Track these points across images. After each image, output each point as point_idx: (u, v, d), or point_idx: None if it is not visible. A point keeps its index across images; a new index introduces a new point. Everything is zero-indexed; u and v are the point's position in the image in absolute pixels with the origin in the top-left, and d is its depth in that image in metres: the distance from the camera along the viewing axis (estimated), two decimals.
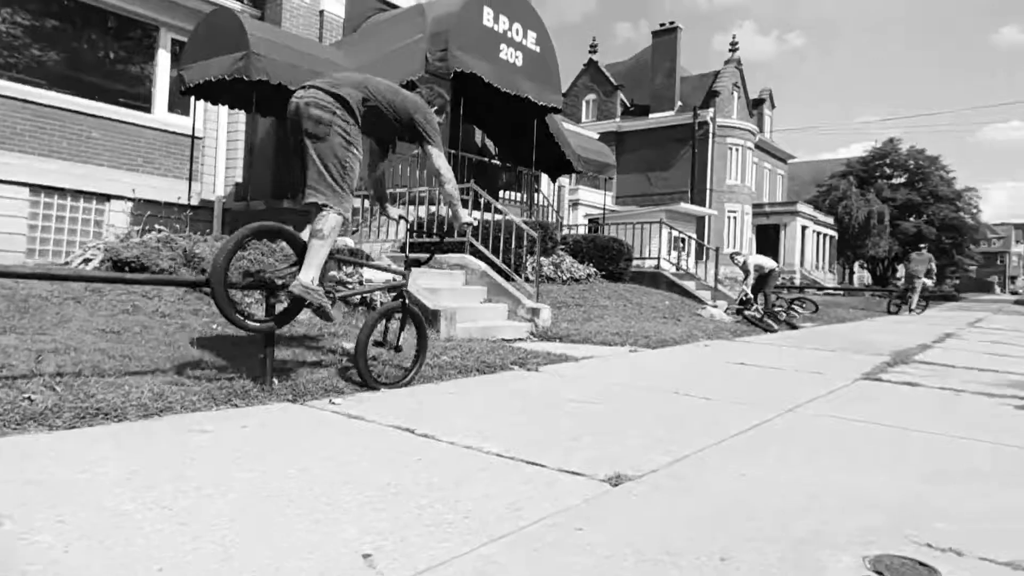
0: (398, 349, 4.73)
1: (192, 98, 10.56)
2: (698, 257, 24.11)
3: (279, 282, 4.10)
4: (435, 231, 9.54)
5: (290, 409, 3.80)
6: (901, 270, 55.89)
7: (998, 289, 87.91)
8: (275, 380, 4.15)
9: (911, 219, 48.40)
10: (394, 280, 5.11)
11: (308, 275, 3.92)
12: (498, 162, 13.80)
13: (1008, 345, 10.48)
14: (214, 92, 10.30)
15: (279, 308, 4.19)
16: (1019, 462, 3.50)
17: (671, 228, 16.14)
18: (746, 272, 12.14)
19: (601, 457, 3.16)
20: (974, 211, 52.10)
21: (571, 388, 4.92)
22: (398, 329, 4.73)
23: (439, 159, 4.43)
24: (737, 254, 13.17)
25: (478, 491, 2.61)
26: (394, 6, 13.20)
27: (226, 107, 11.62)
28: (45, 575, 1.76)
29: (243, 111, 11.52)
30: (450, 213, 5.02)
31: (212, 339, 5.41)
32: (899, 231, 47.04)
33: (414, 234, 9.88)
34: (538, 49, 11.76)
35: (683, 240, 20.13)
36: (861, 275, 54.24)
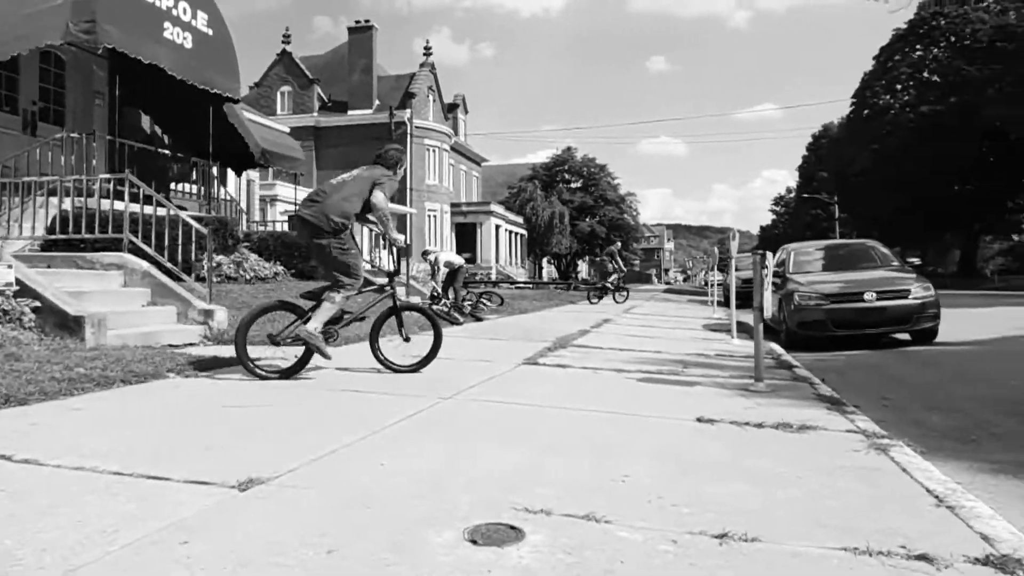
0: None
1: None
2: (398, 255, 24.39)
3: (279, 340, 5.41)
4: (84, 227, 8.36)
5: None
6: (584, 268, 63.12)
7: (656, 280, 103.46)
8: None
9: (586, 220, 54.78)
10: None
11: (314, 325, 5.29)
12: (168, 152, 12.53)
13: (649, 328, 12.34)
14: None
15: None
16: (627, 428, 4.10)
17: (370, 226, 16.16)
18: (436, 269, 12.62)
19: (240, 462, 3.00)
20: (635, 213, 60.77)
21: (233, 393, 4.63)
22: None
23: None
24: (428, 252, 13.64)
25: (70, 519, 2.30)
26: None
27: None
28: None
29: None
30: (105, 206, 5.20)
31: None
32: (577, 230, 52.99)
33: (57, 231, 8.60)
34: (211, 32, 10.89)
35: (383, 236, 20.29)
36: (549, 270, 59.99)
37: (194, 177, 12.41)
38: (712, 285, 19.26)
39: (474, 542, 2.20)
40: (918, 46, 46.12)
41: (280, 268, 11.27)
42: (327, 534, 2.23)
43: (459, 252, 33.48)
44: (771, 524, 2.46)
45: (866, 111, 47.89)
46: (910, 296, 9.51)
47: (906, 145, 42.06)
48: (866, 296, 9.53)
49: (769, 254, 5.60)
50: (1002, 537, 2.40)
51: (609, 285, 20.82)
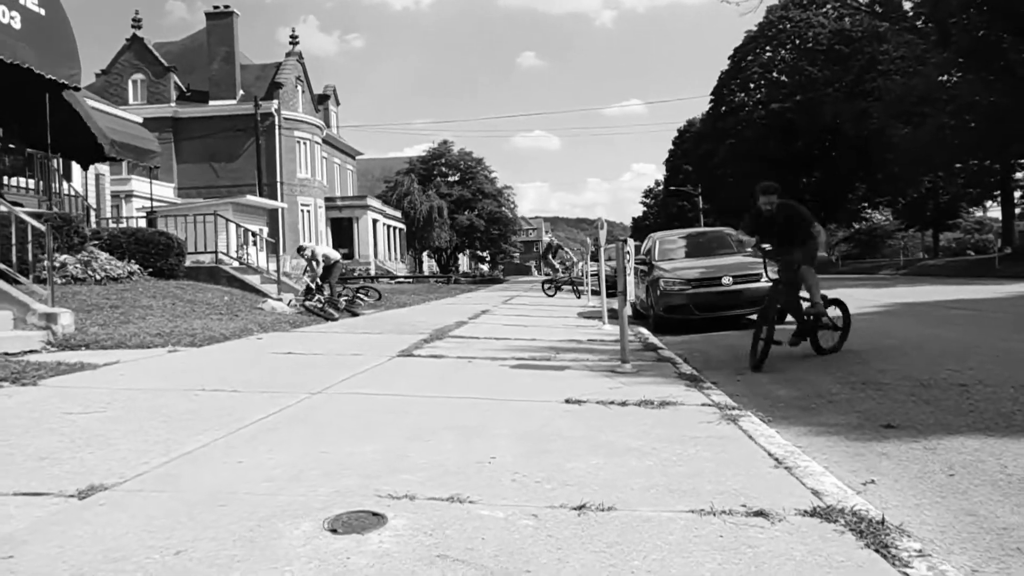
0: None
1: None
2: (271, 251, 23.59)
3: None
4: None
5: None
6: (464, 261, 63.19)
7: (535, 272, 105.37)
8: None
9: (465, 213, 54.88)
10: None
11: None
12: None
13: (526, 317, 12.55)
14: None
15: None
16: (496, 413, 4.15)
17: (230, 221, 15.43)
18: (311, 264, 12.23)
19: (78, 471, 2.79)
20: (512, 206, 61.50)
21: (74, 400, 4.28)
22: None
23: None
24: (303, 248, 13.19)
25: None
26: None
27: None
28: None
29: None
30: None
31: None
32: (457, 223, 52.98)
33: None
34: (43, 12, 9.95)
35: (253, 234, 19.39)
36: (430, 264, 59.62)
37: (30, 172, 11.32)
38: (586, 275, 19.79)
39: (334, 531, 2.16)
40: (768, 47, 49.56)
41: (136, 267, 10.52)
42: (174, 536, 2.12)
43: (336, 247, 32.65)
44: (626, 494, 2.58)
45: (723, 108, 50.99)
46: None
47: (759, 140, 45.20)
48: (724, 280, 10.15)
49: (631, 241, 5.85)
50: (829, 491, 2.64)
51: (560, 277, 20.87)
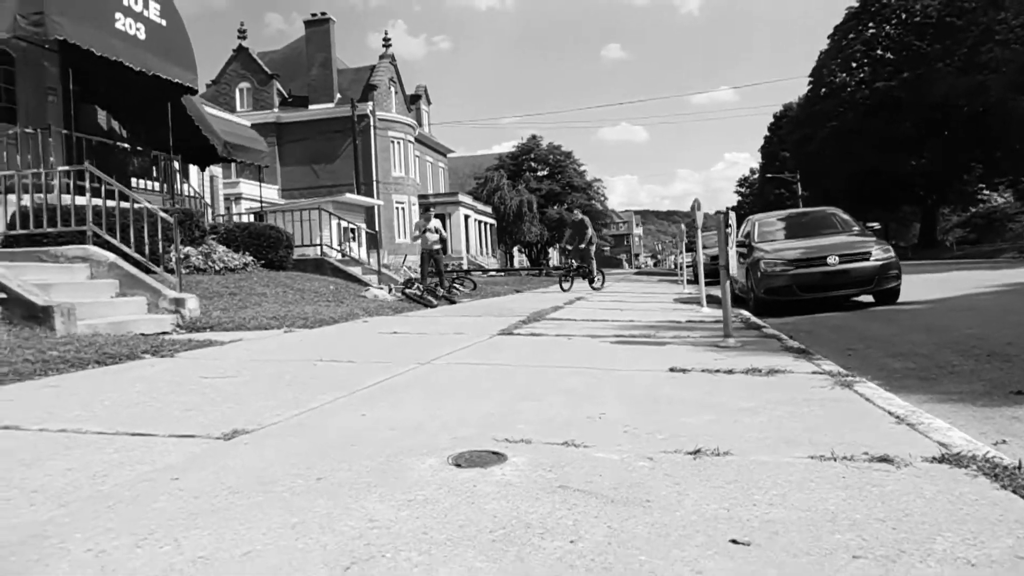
0: None
1: None
2: (370, 246, 24.41)
3: None
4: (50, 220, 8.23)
5: None
6: (555, 255, 63.39)
7: (626, 265, 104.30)
8: None
9: (555, 207, 54.90)
10: None
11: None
12: (127, 146, 12.34)
13: (621, 303, 12.48)
14: None
15: None
16: (600, 379, 4.21)
17: (335, 216, 16.11)
18: (426, 232, 12.85)
19: (220, 420, 3.04)
20: (603, 199, 61.03)
21: (206, 368, 4.64)
22: None
23: None
24: (428, 213, 13.78)
25: (58, 468, 2.32)
26: None
27: None
28: None
29: None
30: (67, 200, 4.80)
31: None
32: (546, 217, 53.07)
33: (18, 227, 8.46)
34: (164, 22, 10.74)
35: (352, 230, 20.15)
36: (520, 259, 60.05)
37: (156, 173, 12.22)
38: (682, 267, 19.39)
39: (458, 465, 2.28)
40: (870, 24, 47.00)
41: (250, 258, 11.19)
42: (313, 467, 2.29)
43: (421, 251, 33.52)
44: (741, 443, 2.58)
45: (823, 89, 48.74)
46: (871, 258, 9.76)
47: (862, 121, 42.95)
48: (829, 260, 9.76)
49: (732, 213, 5.73)
50: (957, 444, 2.54)
51: (573, 263, 16.99)
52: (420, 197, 40.79)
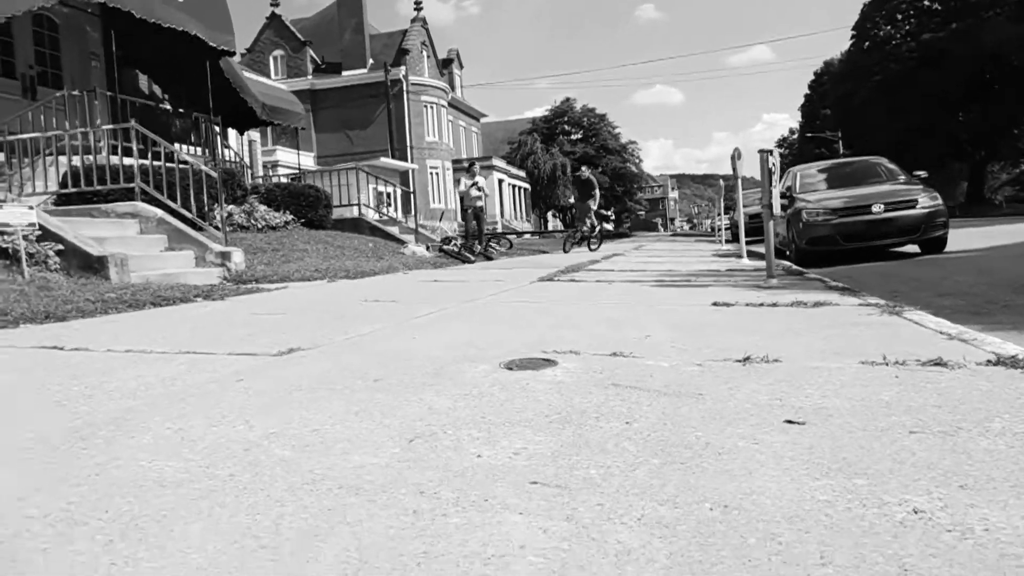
0: None
1: None
2: (405, 209, 24.53)
3: None
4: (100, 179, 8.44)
5: None
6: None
7: (661, 229, 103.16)
8: None
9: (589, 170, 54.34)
10: None
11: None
12: (169, 108, 12.53)
13: (658, 258, 12.41)
14: None
15: None
16: (642, 311, 4.22)
17: (371, 177, 16.23)
18: (473, 188, 12.95)
19: (277, 343, 3.14)
20: (638, 161, 60.22)
21: (257, 307, 4.77)
22: None
23: None
24: (473, 169, 13.84)
25: (129, 375, 2.44)
26: None
27: None
28: None
29: None
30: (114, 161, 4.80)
31: None
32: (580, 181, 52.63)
33: (69, 185, 8.69)
34: None
35: (388, 194, 20.22)
36: (555, 223, 59.75)
37: (196, 135, 12.41)
38: (719, 230, 18.97)
39: (509, 369, 2.33)
40: None
41: (290, 217, 11.36)
42: (369, 373, 2.37)
43: (463, 207, 33.58)
44: (790, 354, 2.58)
45: (867, 43, 47.03)
46: (918, 206, 9.51)
47: (908, 74, 41.43)
48: (874, 208, 9.54)
49: (776, 151, 5.63)
50: (1011, 351, 2.51)
51: (585, 230, 15.18)
52: (454, 162, 40.72)
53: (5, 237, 5.92)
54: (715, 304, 4.32)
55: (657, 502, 1.23)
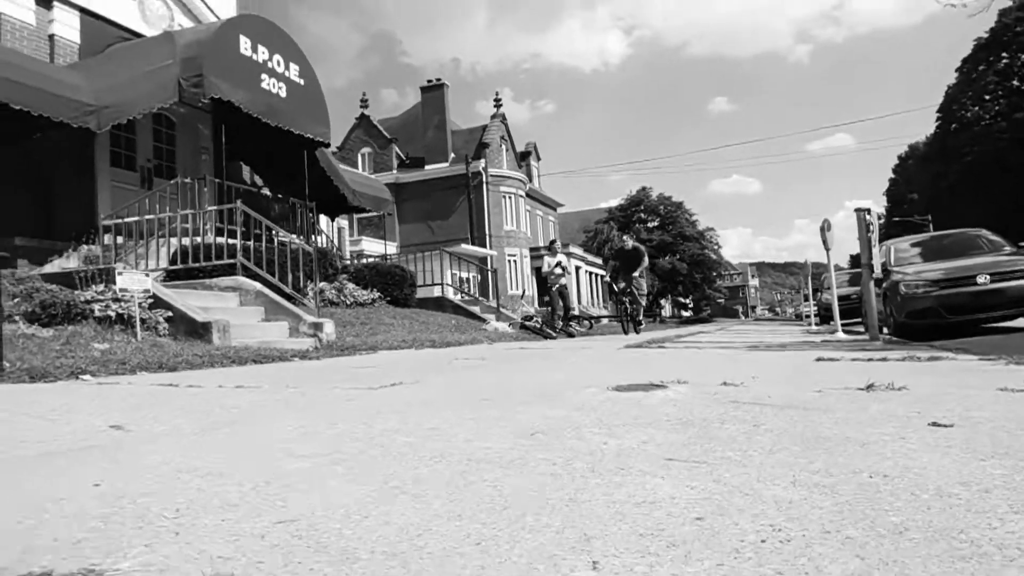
0: None
1: None
2: (482, 293, 24.89)
3: None
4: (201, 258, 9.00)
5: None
6: (667, 307, 62.32)
7: (743, 316, 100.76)
8: None
9: (666, 257, 54.16)
10: None
11: None
12: (269, 194, 13.36)
13: (745, 335, 12.08)
14: None
15: None
16: (744, 363, 4.08)
17: (452, 255, 16.67)
18: (556, 268, 13.01)
19: (379, 382, 3.18)
20: (716, 247, 59.66)
21: (353, 363, 4.87)
22: None
23: None
24: (554, 248, 14.02)
25: (244, 399, 2.51)
26: (138, 35, 12.40)
27: None
28: None
29: None
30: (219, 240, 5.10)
31: None
32: (658, 267, 52.40)
33: (179, 262, 9.27)
34: (302, 82, 11.68)
35: (468, 279, 20.63)
36: None
37: (291, 222, 13.14)
38: (810, 316, 17.98)
39: (618, 390, 2.28)
40: (1003, 54, 44.29)
41: (377, 294, 11.71)
42: (475, 396, 2.36)
43: (540, 295, 33.75)
44: (916, 384, 2.43)
45: (953, 125, 46.06)
46: None
47: (1000, 154, 40.12)
48: (979, 279, 9.03)
49: (875, 210, 5.48)
50: None
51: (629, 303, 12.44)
52: (531, 249, 41.41)
53: (122, 303, 6.32)
54: (819, 360, 4.14)
55: (808, 472, 1.15)
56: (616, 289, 12.53)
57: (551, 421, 1.77)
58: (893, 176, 66.75)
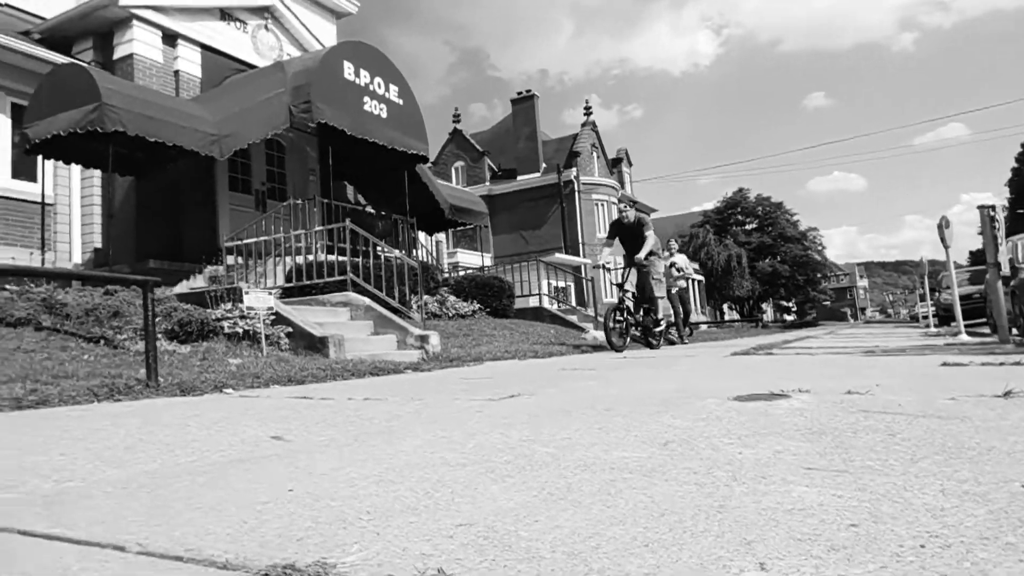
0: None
1: (40, 160, 10.00)
2: (578, 302, 24.92)
3: None
4: (314, 275, 9.51)
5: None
6: (769, 311, 60.19)
7: (851, 319, 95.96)
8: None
9: (767, 260, 52.34)
10: None
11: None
12: (373, 211, 13.94)
13: (856, 338, 11.56)
14: (65, 150, 9.81)
15: None
16: (865, 368, 3.97)
17: (549, 265, 16.80)
18: (668, 270, 12.66)
19: (496, 393, 3.31)
20: (820, 248, 57.14)
21: (463, 374, 5.05)
22: None
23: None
24: (671, 249, 13.64)
25: (377, 410, 2.69)
26: (252, 66, 13.26)
27: (79, 168, 11.11)
28: None
29: (99, 171, 11.05)
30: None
31: None
32: (758, 271, 50.72)
33: (294, 279, 9.83)
34: (401, 102, 12.15)
35: (563, 289, 20.70)
36: (731, 315, 57.68)
37: (394, 237, 13.66)
38: (928, 318, 16.87)
39: (739, 400, 2.30)
40: None
41: (477, 306, 11.99)
42: (597, 406, 2.44)
43: (638, 304, 33.40)
44: None
45: None
46: None
47: None
48: None
49: (999, 206, 5.19)
50: None
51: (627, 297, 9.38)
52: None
53: (248, 320, 6.79)
54: (944, 364, 3.97)
55: (955, 481, 1.17)
56: (621, 281, 9.55)
57: (678, 431, 1.83)
58: (1016, 165, 61.98)
